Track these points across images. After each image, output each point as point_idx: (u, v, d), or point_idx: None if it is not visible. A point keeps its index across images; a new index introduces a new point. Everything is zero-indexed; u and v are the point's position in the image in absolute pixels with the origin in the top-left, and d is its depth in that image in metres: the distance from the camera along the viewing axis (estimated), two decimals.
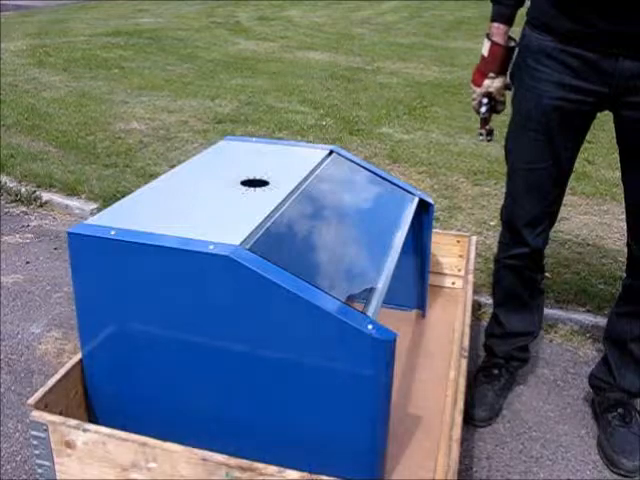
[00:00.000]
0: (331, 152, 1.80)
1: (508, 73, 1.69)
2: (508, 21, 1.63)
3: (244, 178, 1.53)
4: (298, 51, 6.94)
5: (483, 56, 1.67)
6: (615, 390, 1.80)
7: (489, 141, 1.79)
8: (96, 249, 1.24)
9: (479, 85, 1.69)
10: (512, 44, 1.66)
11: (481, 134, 1.78)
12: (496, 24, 1.63)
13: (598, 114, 1.60)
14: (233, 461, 1.14)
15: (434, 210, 1.90)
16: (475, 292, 2.14)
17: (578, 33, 1.46)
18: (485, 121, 1.76)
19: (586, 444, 1.79)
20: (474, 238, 2.15)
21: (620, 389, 1.79)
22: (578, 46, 1.47)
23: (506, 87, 1.70)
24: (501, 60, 1.65)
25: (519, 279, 1.81)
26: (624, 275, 1.76)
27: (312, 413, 1.20)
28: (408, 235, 1.56)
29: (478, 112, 1.74)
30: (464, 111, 4.72)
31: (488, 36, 1.65)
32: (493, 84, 1.67)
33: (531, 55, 1.57)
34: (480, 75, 1.68)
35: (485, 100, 1.71)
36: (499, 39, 1.63)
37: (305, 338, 1.15)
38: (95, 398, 1.39)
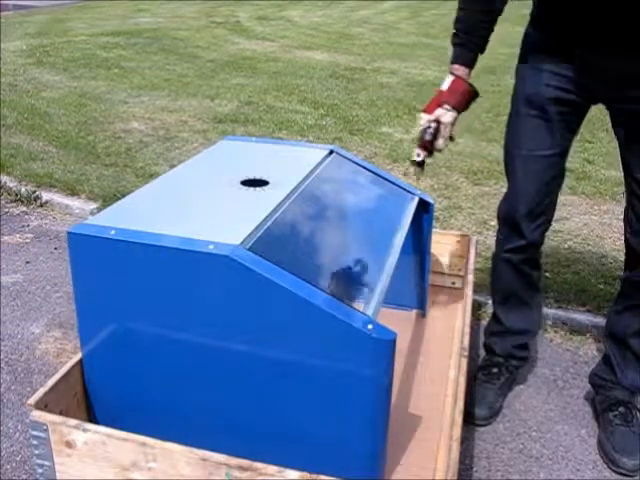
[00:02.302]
0: (331, 152, 1.80)
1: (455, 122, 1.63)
2: (470, 64, 1.62)
3: (244, 178, 1.53)
4: (298, 51, 6.94)
5: (441, 90, 1.63)
6: (617, 388, 1.80)
7: (418, 173, 1.68)
8: (96, 249, 1.24)
9: (430, 113, 1.63)
10: (472, 89, 1.62)
11: (418, 154, 1.64)
12: (457, 65, 1.62)
13: (595, 109, 1.65)
14: (233, 461, 1.14)
15: (434, 210, 1.90)
16: (475, 292, 2.14)
17: (574, 35, 1.51)
18: (424, 147, 1.64)
19: (586, 444, 1.79)
20: (474, 238, 2.16)
21: (622, 386, 1.79)
22: (576, 45, 1.52)
23: (451, 138, 1.66)
24: (460, 94, 1.61)
25: (516, 275, 1.82)
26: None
27: (312, 413, 1.20)
28: (408, 235, 1.56)
29: (421, 138, 1.63)
30: None
31: (451, 72, 1.63)
32: (444, 115, 1.61)
33: (533, 49, 1.63)
34: (434, 105, 1.63)
35: (433, 125, 1.61)
36: (462, 75, 1.62)
37: (305, 338, 1.15)
38: (95, 398, 1.39)
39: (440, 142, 1.63)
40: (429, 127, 1.61)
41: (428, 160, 1.67)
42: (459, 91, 1.61)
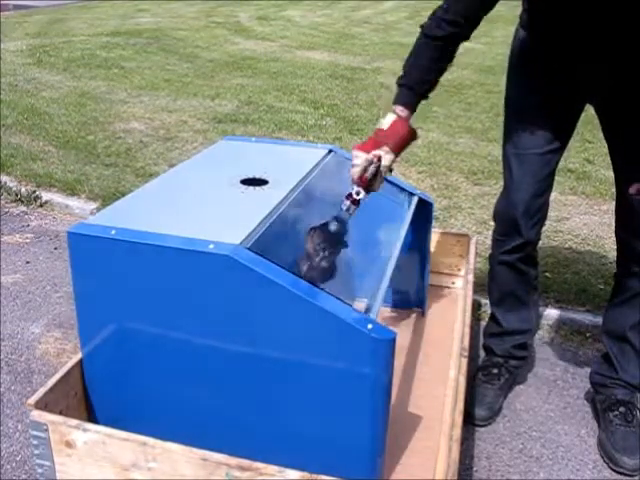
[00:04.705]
0: (330, 151, 1.80)
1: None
2: (413, 108, 1.50)
3: (244, 177, 1.53)
4: (298, 51, 6.94)
5: (381, 129, 1.48)
6: (618, 386, 1.80)
7: (353, 210, 1.44)
8: (96, 249, 1.24)
9: (367, 152, 1.45)
10: (413, 131, 1.49)
11: (358, 192, 1.43)
12: (400, 107, 1.49)
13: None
14: (233, 461, 1.14)
15: (434, 209, 1.90)
16: (475, 292, 2.15)
17: (564, 38, 1.53)
18: (363, 185, 1.45)
19: (586, 444, 1.79)
20: (474, 238, 2.16)
21: (623, 383, 1.79)
22: (566, 47, 1.55)
23: (390, 170, 1.52)
24: (400, 137, 1.48)
25: (515, 274, 1.83)
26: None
27: (312, 413, 1.20)
28: (408, 234, 1.56)
29: (360, 177, 1.44)
30: (464, 111, 4.72)
31: (393, 112, 1.50)
32: (384, 157, 1.46)
33: (524, 50, 1.65)
34: (372, 145, 1.47)
35: (375, 163, 1.44)
36: (405, 116, 1.49)
37: (305, 337, 1.15)
38: (95, 398, 1.39)
39: (378, 183, 1.49)
40: (370, 165, 1.44)
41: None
42: (400, 134, 1.48)
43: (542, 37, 1.59)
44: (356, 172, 1.44)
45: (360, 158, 1.44)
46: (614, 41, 1.46)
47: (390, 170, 1.52)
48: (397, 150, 1.48)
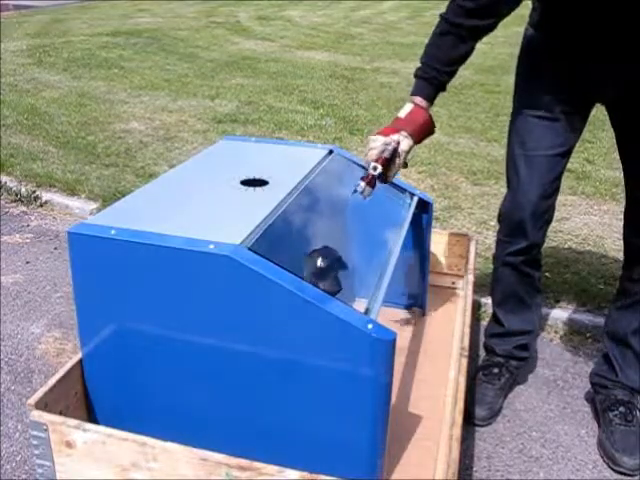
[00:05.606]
0: (330, 152, 1.80)
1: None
2: (431, 100, 1.49)
3: (244, 178, 1.53)
4: (298, 51, 6.94)
5: (399, 118, 1.47)
6: (618, 387, 1.80)
7: (368, 191, 1.42)
8: (96, 249, 1.24)
9: (386, 135, 1.44)
10: (432, 121, 1.48)
11: (375, 168, 1.41)
12: (419, 98, 1.48)
13: (595, 109, 1.66)
14: (233, 461, 1.14)
15: (434, 209, 1.90)
16: (475, 292, 2.15)
17: (577, 38, 1.52)
18: (385, 165, 1.43)
19: (586, 444, 1.79)
20: (474, 238, 2.16)
21: (623, 385, 1.79)
22: (579, 47, 1.53)
23: (405, 164, 1.49)
24: (419, 125, 1.46)
25: (518, 277, 1.82)
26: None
27: (312, 413, 1.20)
28: (408, 234, 1.57)
29: (378, 157, 1.42)
30: (464, 111, 4.72)
31: (411, 101, 1.50)
32: (402, 142, 1.44)
33: (535, 50, 1.64)
34: (390, 130, 1.45)
35: (393, 144, 1.42)
36: (423, 106, 1.48)
37: (305, 338, 1.15)
38: (95, 398, 1.39)
39: (395, 166, 1.46)
40: (388, 146, 1.42)
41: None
42: (419, 121, 1.46)
43: (552, 36, 1.57)
44: (373, 154, 1.42)
45: (378, 141, 1.43)
46: (627, 41, 1.44)
47: (405, 164, 1.49)
48: (416, 137, 1.47)
